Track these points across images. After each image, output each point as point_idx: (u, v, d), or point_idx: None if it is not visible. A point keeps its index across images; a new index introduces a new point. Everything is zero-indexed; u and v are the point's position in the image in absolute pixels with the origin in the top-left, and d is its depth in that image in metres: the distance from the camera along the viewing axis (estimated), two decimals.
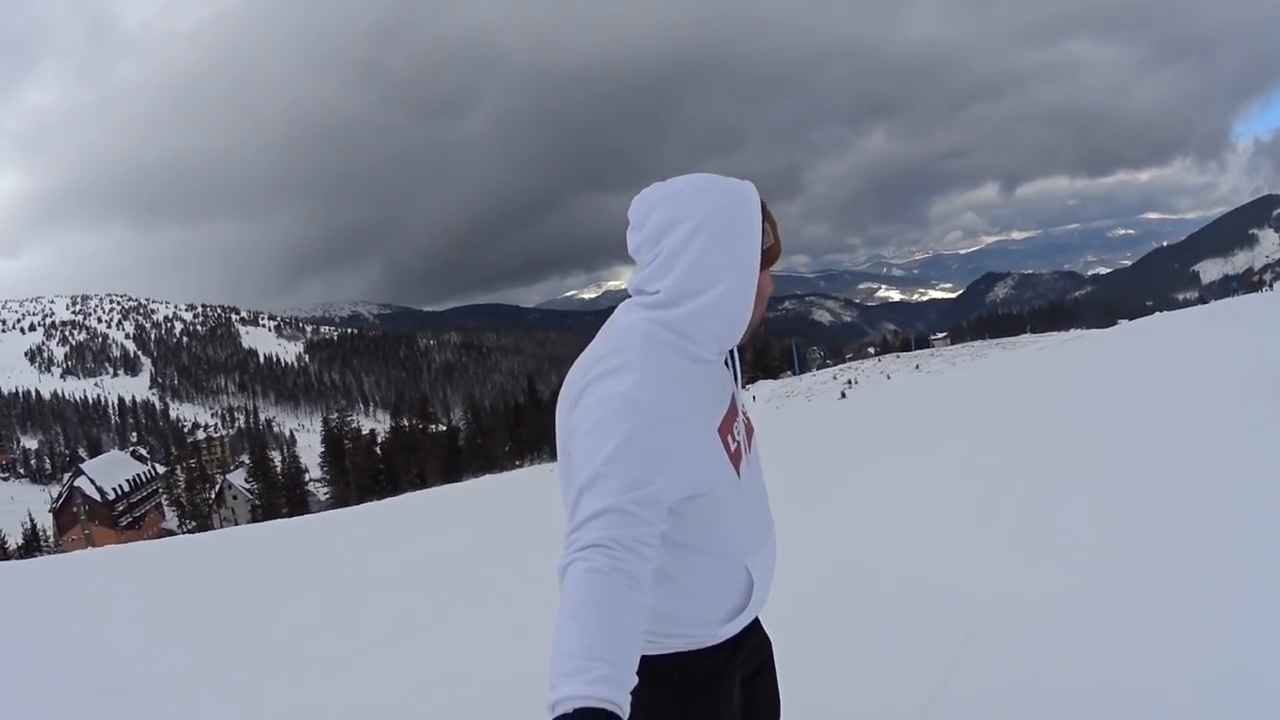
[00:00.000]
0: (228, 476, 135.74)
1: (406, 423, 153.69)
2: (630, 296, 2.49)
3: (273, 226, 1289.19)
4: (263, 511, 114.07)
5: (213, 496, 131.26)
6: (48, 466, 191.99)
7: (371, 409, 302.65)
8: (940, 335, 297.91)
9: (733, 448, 2.45)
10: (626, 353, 2.31)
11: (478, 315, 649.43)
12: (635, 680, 1.90)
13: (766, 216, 2.45)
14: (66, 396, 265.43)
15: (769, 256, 2.46)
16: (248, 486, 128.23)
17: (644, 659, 2.23)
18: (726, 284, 2.34)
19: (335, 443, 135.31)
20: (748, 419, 2.62)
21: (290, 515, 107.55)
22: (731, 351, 2.54)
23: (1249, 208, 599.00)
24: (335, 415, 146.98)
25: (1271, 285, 59.22)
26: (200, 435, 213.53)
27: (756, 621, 2.69)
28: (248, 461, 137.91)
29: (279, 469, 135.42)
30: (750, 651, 2.65)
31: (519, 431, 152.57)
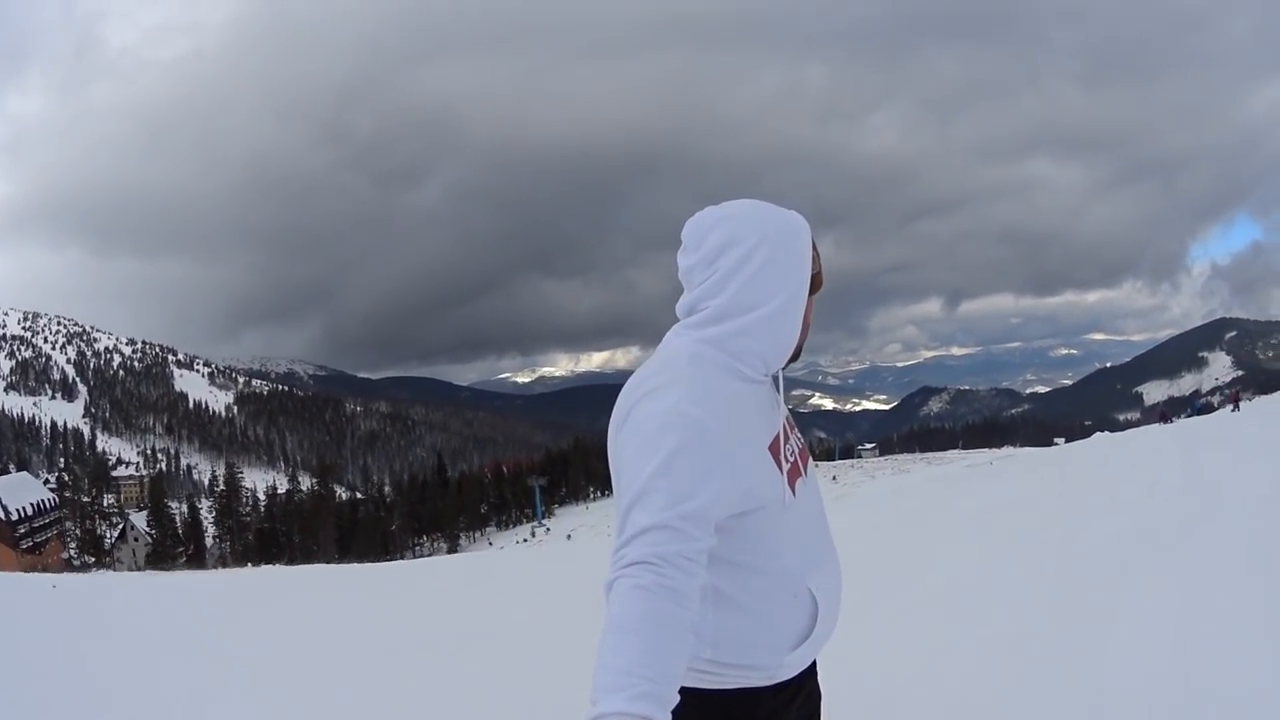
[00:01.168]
0: (132, 518, 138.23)
1: (308, 486, 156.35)
2: (679, 321, 2.54)
3: (222, 271, 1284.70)
4: (157, 558, 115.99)
5: (115, 535, 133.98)
6: None
7: (291, 469, 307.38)
8: (869, 446, 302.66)
9: (786, 466, 2.45)
10: (672, 370, 2.36)
11: (411, 388, 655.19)
12: (677, 698, 1.94)
13: (813, 246, 2.54)
14: (6, 411, 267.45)
15: (815, 282, 2.55)
16: (149, 531, 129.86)
17: (704, 692, 2.40)
18: (778, 302, 2.41)
19: (225, 500, 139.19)
20: (802, 443, 2.66)
21: (186, 566, 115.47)
22: (775, 377, 2.59)
23: (1201, 330, 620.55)
24: (235, 471, 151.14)
25: (1236, 405, 57.86)
26: (123, 471, 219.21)
27: (814, 669, 2.69)
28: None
29: (178, 519, 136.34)
30: (807, 697, 2.64)
31: (420, 509, 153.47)
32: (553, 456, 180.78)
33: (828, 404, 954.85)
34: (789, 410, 2.61)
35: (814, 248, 2.55)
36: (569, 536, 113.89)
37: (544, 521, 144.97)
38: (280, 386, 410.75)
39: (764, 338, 2.43)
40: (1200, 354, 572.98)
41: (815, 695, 2.72)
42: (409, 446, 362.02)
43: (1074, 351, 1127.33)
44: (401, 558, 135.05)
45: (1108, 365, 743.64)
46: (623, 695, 1.85)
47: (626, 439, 2.32)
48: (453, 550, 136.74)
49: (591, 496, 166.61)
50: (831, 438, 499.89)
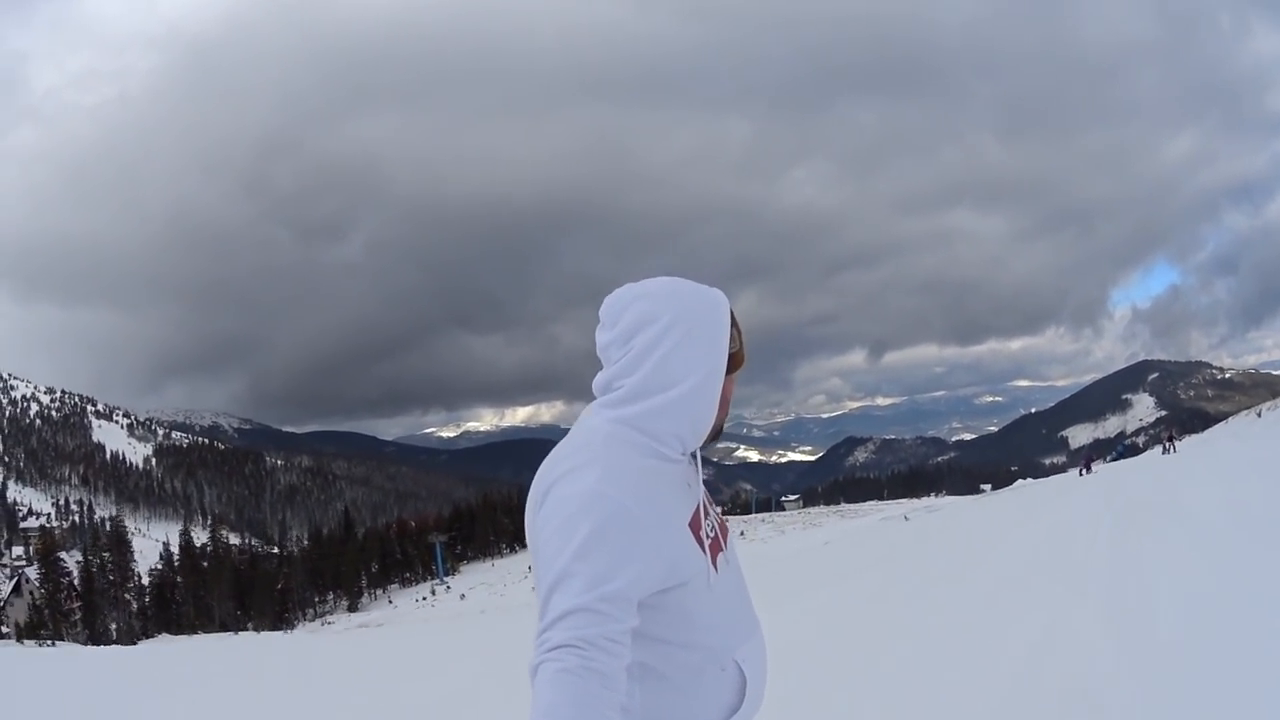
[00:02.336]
0: (26, 571, 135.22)
1: (202, 541, 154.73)
2: (595, 399, 2.55)
3: (145, 322, 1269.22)
4: (50, 614, 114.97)
5: (8, 590, 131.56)
6: None
7: (208, 523, 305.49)
8: (793, 498, 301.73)
9: (707, 542, 2.46)
10: (588, 450, 2.37)
11: (335, 441, 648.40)
12: None
13: (734, 324, 2.54)
14: None
15: (734, 361, 2.53)
16: (41, 587, 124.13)
17: None
18: (692, 382, 2.40)
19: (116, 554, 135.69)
20: (721, 518, 2.68)
21: (75, 626, 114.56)
22: (694, 455, 2.58)
23: (1124, 373, 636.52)
24: (119, 525, 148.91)
25: (1170, 443, 57.00)
26: (33, 523, 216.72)
27: None
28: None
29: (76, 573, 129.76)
30: None
31: (322, 565, 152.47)
32: (460, 512, 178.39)
33: (753, 456, 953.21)
34: (705, 485, 2.59)
35: (735, 325, 2.54)
36: (462, 596, 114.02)
37: (445, 579, 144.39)
38: (201, 439, 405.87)
39: (679, 417, 2.43)
40: (1124, 396, 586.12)
41: None
42: (329, 500, 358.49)
43: (999, 399, 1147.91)
44: (302, 616, 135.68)
45: (1032, 410, 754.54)
46: None
47: (544, 521, 2.31)
48: (353, 609, 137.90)
49: (500, 552, 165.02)
50: (756, 489, 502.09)
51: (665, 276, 2.56)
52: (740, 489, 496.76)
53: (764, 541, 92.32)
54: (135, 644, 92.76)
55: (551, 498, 2.33)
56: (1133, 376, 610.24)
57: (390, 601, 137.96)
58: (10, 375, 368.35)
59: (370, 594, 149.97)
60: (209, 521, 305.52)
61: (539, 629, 2.14)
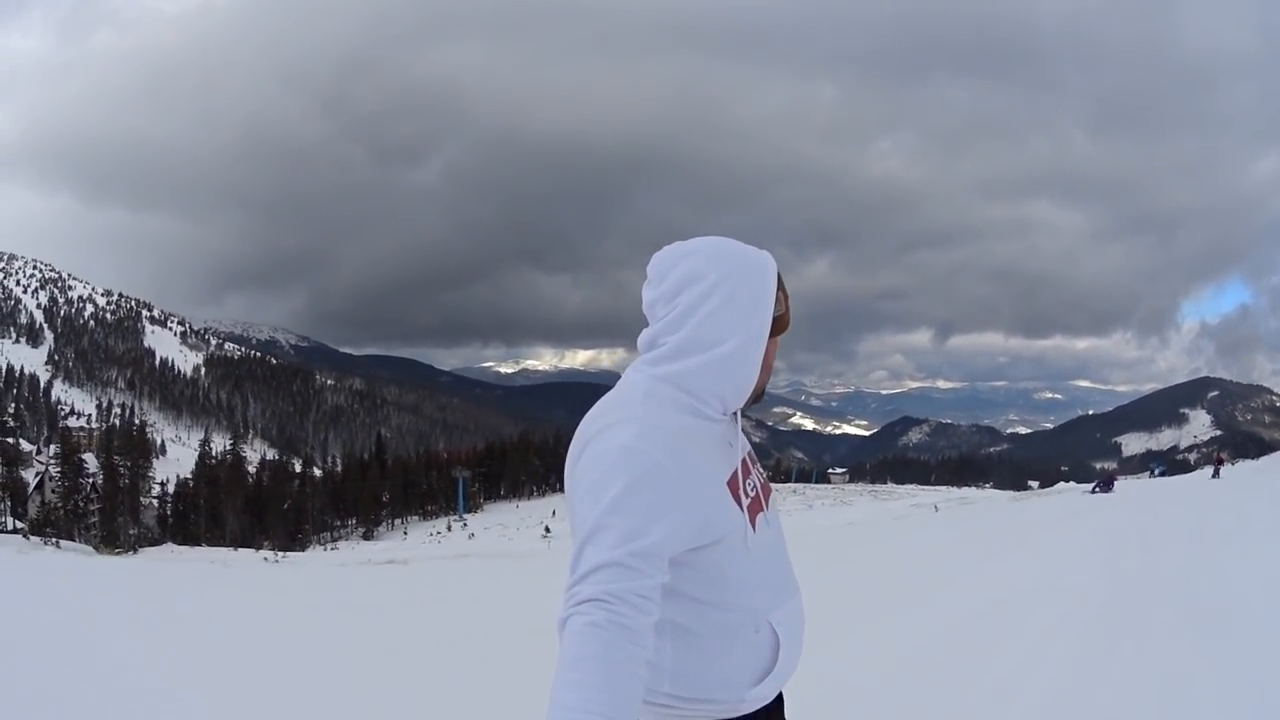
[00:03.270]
0: (50, 469, 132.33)
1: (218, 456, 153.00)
2: (640, 355, 2.55)
3: (211, 232, 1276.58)
4: (44, 515, 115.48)
5: (32, 486, 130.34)
6: None
7: (250, 437, 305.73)
8: (841, 470, 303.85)
9: (746, 501, 2.46)
10: (628, 407, 2.38)
11: (391, 366, 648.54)
12: None
13: (781, 286, 2.52)
14: None
15: (779, 324, 2.52)
16: (60, 485, 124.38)
17: None
18: (735, 342, 2.40)
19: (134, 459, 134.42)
20: (764, 478, 2.67)
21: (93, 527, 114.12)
22: (736, 414, 2.57)
23: (1184, 387, 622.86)
24: (136, 429, 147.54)
25: (1218, 471, 49.56)
26: (74, 422, 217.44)
27: (780, 705, 2.64)
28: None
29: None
30: None
31: (344, 488, 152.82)
32: (493, 449, 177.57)
33: (808, 424, 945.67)
34: (751, 446, 2.64)
35: (782, 289, 2.53)
36: (472, 535, 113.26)
37: (464, 516, 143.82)
38: (254, 353, 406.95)
39: (721, 377, 2.42)
40: (1181, 410, 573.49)
41: None
42: (374, 425, 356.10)
43: (1058, 396, 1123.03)
44: (316, 539, 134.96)
45: (1090, 413, 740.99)
46: None
47: (581, 474, 2.33)
48: (368, 537, 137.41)
49: (527, 494, 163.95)
50: (807, 458, 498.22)
51: (716, 236, 2.54)
52: (787, 456, 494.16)
53: (786, 514, 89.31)
54: (137, 552, 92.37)
55: (589, 452, 2.34)
56: (1193, 391, 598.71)
57: (405, 533, 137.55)
58: (70, 275, 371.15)
59: (389, 523, 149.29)
60: (249, 435, 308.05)
61: (569, 582, 2.14)
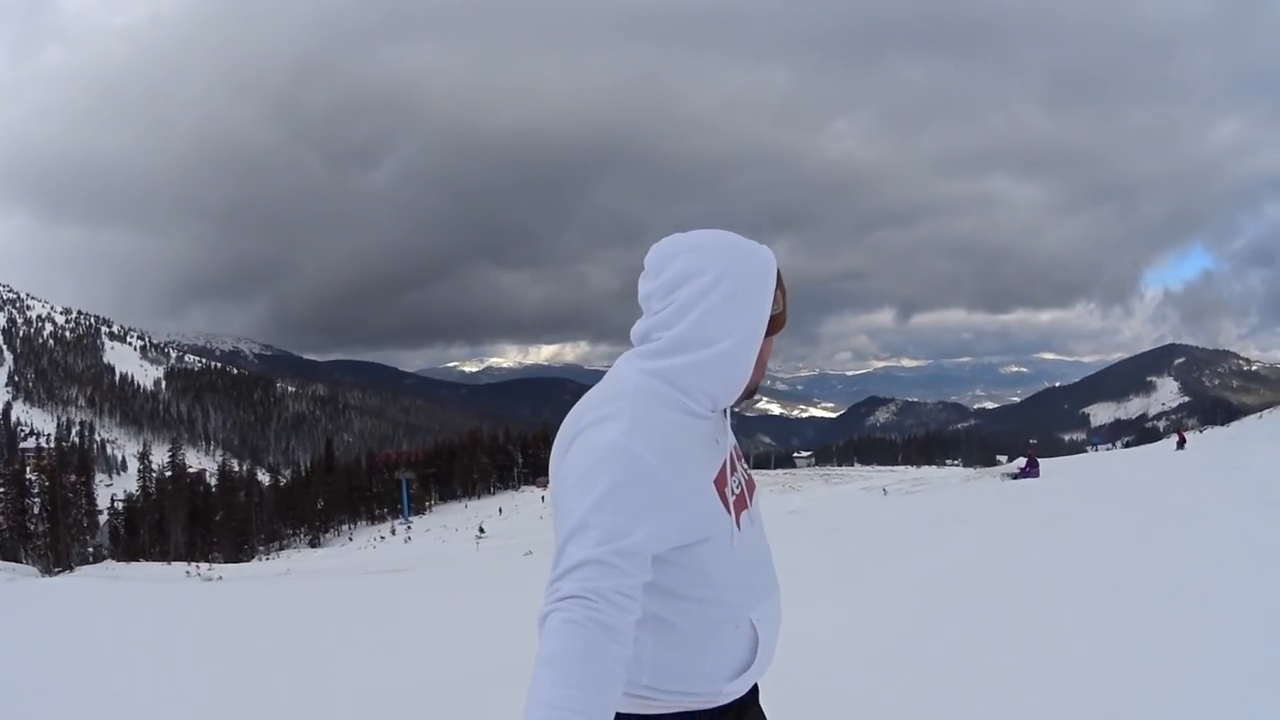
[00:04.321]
0: None
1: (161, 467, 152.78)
2: (633, 346, 2.52)
3: (170, 245, 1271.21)
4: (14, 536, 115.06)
5: None
6: None
7: (211, 448, 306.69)
8: (806, 454, 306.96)
9: (731, 499, 2.45)
10: (617, 402, 2.35)
11: (355, 371, 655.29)
12: None
13: (779, 285, 2.48)
14: None
15: (775, 323, 2.48)
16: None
17: (643, 718, 2.42)
18: (732, 341, 2.36)
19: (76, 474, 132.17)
20: (748, 474, 2.67)
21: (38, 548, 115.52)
22: (725, 410, 2.55)
23: (1151, 354, 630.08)
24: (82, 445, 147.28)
25: (1182, 443, 47.08)
26: (33, 443, 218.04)
27: (757, 695, 2.68)
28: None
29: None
30: None
31: (294, 495, 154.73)
32: (441, 449, 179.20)
33: (774, 409, 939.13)
34: (736, 442, 2.62)
35: (781, 286, 2.50)
36: (408, 539, 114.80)
37: (409, 519, 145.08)
38: (213, 364, 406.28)
39: (714, 376, 2.40)
40: (1148, 378, 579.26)
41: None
42: (337, 430, 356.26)
43: (1024, 370, 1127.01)
44: (264, 549, 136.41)
45: (1056, 385, 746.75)
46: None
47: (567, 470, 2.30)
48: (314, 544, 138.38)
49: (478, 493, 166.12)
50: (776, 443, 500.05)
51: (717, 230, 2.51)
52: (760, 441, 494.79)
53: None
54: (70, 570, 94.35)
55: (576, 447, 2.32)
56: (1159, 359, 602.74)
57: (350, 538, 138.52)
58: (28, 295, 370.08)
59: (336, 529, 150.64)
60: (211, 446, 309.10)
61: (551, 577, 2.13)
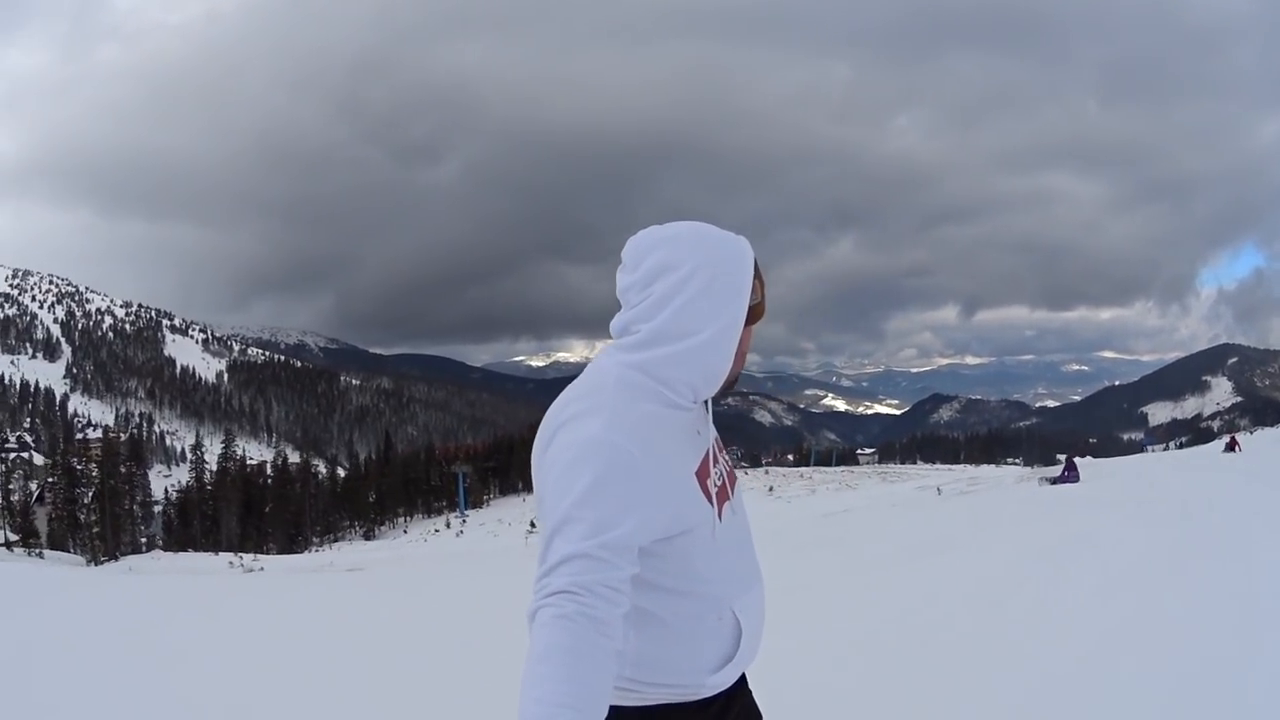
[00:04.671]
0: (49, 480, 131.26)
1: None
2: (613, 340, 2.54)
3: (234, 239, 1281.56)
4: (17, 522, 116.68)
5: (35, 495, 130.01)
6: None
7: (272, 440, 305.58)
8: (869, 451, 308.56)
9: (713, 491, 2.46)
10: (598, 395, 2.36)
11: (422, 365, 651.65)
12: None
13: (757, 274, 2.50)
14: None
15: (754, 314, 2.50)
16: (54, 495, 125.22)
17: (629, 709, 2.40)
18: (710, 333, 2.38)
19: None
20: (729, 465, 2.67)
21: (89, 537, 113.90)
22: (705, 402, 2.56)
23: (1205, 354, 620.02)
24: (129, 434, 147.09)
25: (1233, 445, 44.26)
26: (93, 434, 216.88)
27: (747, 686, 2.69)
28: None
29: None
30: (741, 713, 2.64)
31: (353, 487, 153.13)
32: (500, 443, 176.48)
33: (840, 405, 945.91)
34: (718, 433, 2.63)
35: (758, 276, 2.51)
36: (460, 533, 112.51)
37: (465, 512, 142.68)
38: (277, 357, 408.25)
39: (693, 367, 2.40)
40: (1204, 378, 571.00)
41: (750, 711, 2.71)
42: (400, 424, 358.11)
43: (1085, 368, 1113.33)
44: (318, 541, 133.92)
45: (1115, 383, 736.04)
46: None
47: (550, 464, 2.30)
48: (368, 537, 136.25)
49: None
50: (841, 440, 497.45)
51: (692, 221, 2.52)
52: (825, 437, 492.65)
53: (787, 501, 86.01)
54: (117, 559, 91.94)
55: (558, 441, 2.33)
56: (1213, 359, 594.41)
57: (404, 531, 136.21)
58: (87, 289, 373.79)
59: (392, 521, 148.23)
60: (272, 438, 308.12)
61: (539, 573, 2.13)
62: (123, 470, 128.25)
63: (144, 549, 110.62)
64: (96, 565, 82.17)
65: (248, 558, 78.13)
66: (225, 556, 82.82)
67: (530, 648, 2.01)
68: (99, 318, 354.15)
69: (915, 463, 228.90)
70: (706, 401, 2.54)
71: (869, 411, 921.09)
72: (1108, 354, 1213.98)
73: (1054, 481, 39.52)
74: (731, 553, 2.51)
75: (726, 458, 2.63)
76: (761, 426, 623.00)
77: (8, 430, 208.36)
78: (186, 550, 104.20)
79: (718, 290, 2.38)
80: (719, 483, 2.49)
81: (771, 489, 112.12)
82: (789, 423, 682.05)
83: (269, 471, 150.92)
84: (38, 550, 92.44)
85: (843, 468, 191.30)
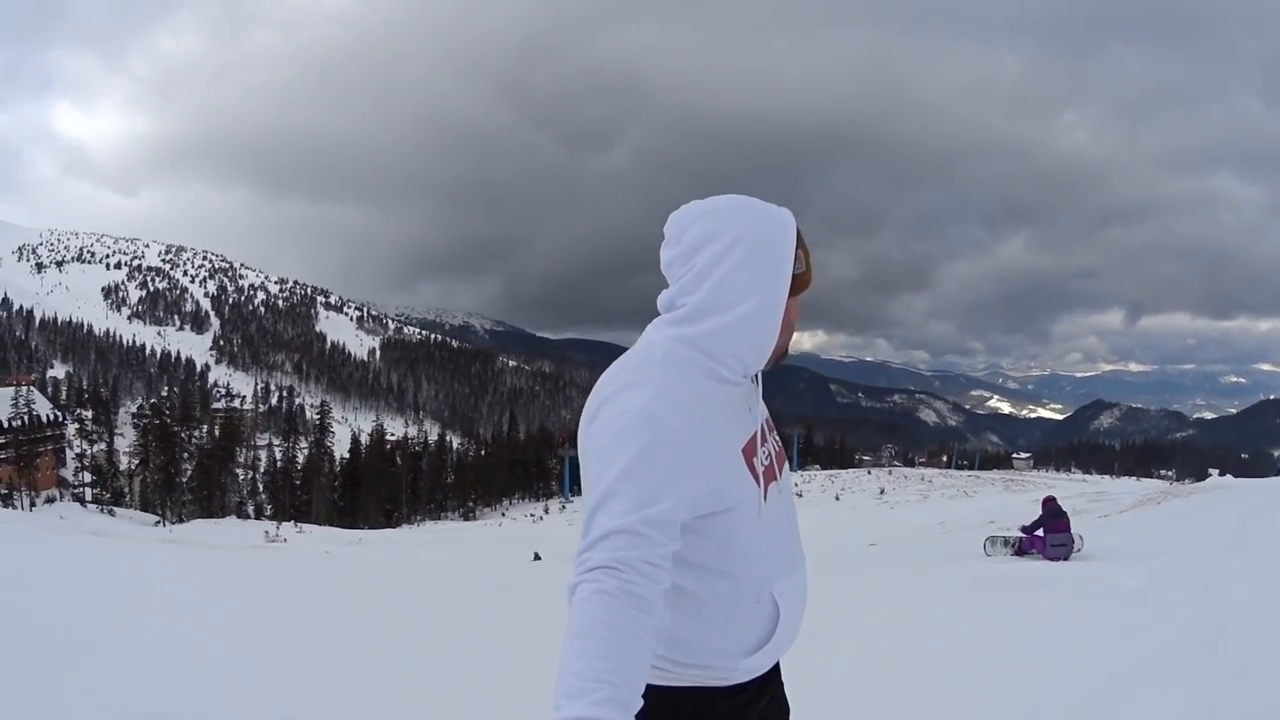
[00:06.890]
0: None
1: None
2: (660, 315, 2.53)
3: (397, 220, 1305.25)
4: (163, 489, 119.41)
5: (137, 462, 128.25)
6: (62, 396, 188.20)
7: (420, 418, 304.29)
8: (1025, 455, 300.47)
9: (760, 469, 2.44)
10: (646, 368, 2.34)
11: (588, 350, 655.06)
12: (640, 703, 1.92)
13: (801, 244, 2.48)
14: (121, 338, 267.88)
15: (799, 283, 2.47)
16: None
17: (659, 689, 2.34)
18: (754, 303, 2.36)
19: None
20: (779, 446, 2.64)
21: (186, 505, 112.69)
22: (756, 377, 2.55)
23: None
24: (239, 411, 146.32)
25: None
26: (223, 405, 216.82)
27: (779, 678, 2.68)
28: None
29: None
30: (771, 704, 2.63)
31: (468, 465, 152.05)
32: None
33: (1005, 407, 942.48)
34: (768, 413, 2.62)
35: (802, 245, 2.49)
36: (539, 519, 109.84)
37: (570, 497, 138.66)
38: (434, 336, 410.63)
39: (741, 338, 2.39)
40: None
41: (780, 704, 2.70)
42: (554, 407, 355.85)
43: (1242, 380, 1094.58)
44: (414, 518, 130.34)
45: (1272, 397, 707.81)
46: (585, 700, 1.84)
47: (594, 437, 2.29)
48: (467, 517, 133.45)
49: None
50: (1003, 442, 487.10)
51: (734, 194, 2.52)
52: (988, 440, 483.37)
53: (891, 507, 77.11)
54: (184, 521, 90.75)
55: (603, 414, 2.30)
56: None
57: (503, 513, 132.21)
58: (242, 265, 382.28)
59: (496, 503, 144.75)
60: (419, 416, 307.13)
61: (580, 548, 2.11)
62: (223, 443, 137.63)
63: (235, 515, 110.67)
64: (165, 527, 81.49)
65: (284, 527, 75.58)
66: (280, 528, 78.76)
67: (569, 622, 1.99)
68: (251, 293, 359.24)
69: (1070, 470, 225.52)
70: (758, 377, 2.53)
71: (1032, 415, 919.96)
72: (1265, 366, 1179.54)
73: (1017, 549, 19.64)
74: (775, 535, 2.49)
75: (776, 438, 2.61)
76: (925, 425, 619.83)
77: (144, 394, 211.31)
78: (290, 521, 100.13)
79: (758, 260, 2.36)
80: (765, 462, 2.47)
81: (883, 491, 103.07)
82: (953, 423, 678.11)
83: (406, 446, 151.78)
84: (109, 509, 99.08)
85: (997, 471, 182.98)
